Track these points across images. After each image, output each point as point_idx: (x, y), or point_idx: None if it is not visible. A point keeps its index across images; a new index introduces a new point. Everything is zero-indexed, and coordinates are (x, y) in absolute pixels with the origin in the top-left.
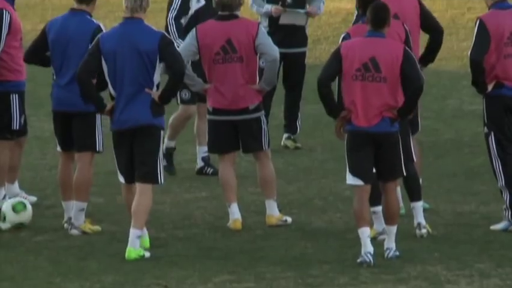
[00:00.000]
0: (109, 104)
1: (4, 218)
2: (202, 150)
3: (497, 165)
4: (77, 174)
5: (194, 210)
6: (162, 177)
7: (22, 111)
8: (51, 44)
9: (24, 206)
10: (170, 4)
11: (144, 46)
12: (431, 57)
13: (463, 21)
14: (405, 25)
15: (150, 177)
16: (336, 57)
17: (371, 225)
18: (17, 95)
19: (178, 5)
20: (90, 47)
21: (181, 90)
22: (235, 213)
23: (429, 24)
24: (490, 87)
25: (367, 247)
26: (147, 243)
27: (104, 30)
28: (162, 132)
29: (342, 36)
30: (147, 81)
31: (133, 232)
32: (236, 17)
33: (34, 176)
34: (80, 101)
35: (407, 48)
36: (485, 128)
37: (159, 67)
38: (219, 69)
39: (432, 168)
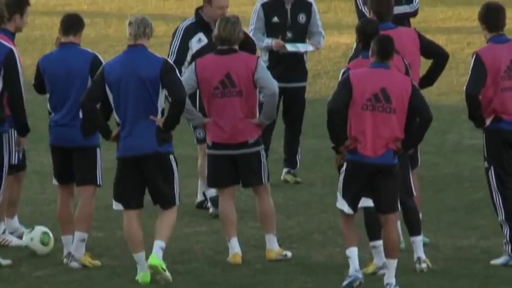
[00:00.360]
0: (115, 130)
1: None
2: (204, 186)
3: (498, 200)
4: (79, 208)
5: (194, 245)
6: (178, 198)
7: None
8: (48, 80)
9: (49, 235)
10: (170, 46)
11: (146, 73)
12: (431, 80)
13: (463, 56)
14: (405, 60)
15: (169, 203)
16: (347, 86)
17: (370, 260)
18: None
19: (176, 49)
20: (94, 76)
21: (195, 129)
22: (235, 247)
23: (432, 51)
24: (488, 121)
25: (356, 265)
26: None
27: (102, 60)
28: (172, 156)
29: (342, 71)
30: (151, 108)
31: (157, 243)
32: (235, 51)
33: (33, 211)
34: (79, 136)
35: (413, 81)
36: (485, 162)
37: (163, 93)
38: (218, 103)
39: (432, 202)
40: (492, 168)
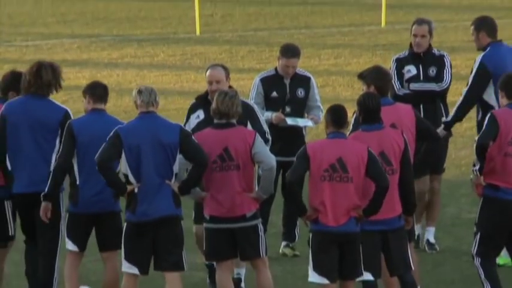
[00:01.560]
0: (130, 187)
1: None
2: None
3: (480, 270)
4: (108, 274)
5: None
6: (186, 264)
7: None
8: (82, 145)
9: None
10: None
11: (166, 139)
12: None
13: (461, 130)
14: (404, 135)
15: (179, 266)
16: (305, 158)
17: None
18: (10, 201)
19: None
20: (108, 139)
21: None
22: None
23: (425, 133)
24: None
25: None
26: None
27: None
28: (182, 222)
29: None
30: (169, 173)
31: None
32: (233, 125)
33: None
34: (111, 201)
35: (370, 149)
36: (475, 227)
37: (178, 158)
38: (216, 177)
39: (430, 276)
40: (479, 234)
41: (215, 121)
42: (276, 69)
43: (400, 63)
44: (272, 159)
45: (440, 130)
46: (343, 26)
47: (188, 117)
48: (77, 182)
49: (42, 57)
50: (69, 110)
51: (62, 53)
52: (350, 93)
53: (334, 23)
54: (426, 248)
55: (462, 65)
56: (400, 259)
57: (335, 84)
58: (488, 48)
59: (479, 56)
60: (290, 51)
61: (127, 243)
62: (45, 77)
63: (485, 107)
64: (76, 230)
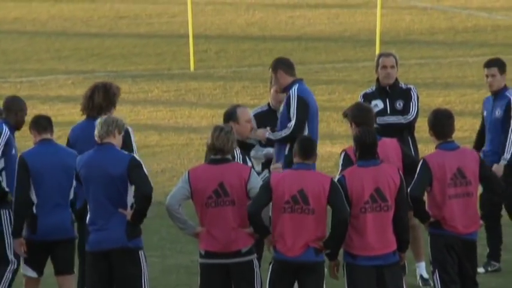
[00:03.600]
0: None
1: None
2: None
3: None
4: None
5: None
6: None
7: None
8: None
9: None
10: None
11: (114, 171)
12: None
13: None
14: (400, 172)
15: None
16: (266, 189)
17: None
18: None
19: None
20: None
21: None
22: None
23: (412, 166)
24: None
25: None
26: None
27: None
28: (141, 252)
29: (337, 178)
30: (121, 204)
31: None
32: (228, 160)
33: None
34: (69, 227)
35: (334, 180)
36: (431, 266)
37: (131, 189)
38: (211, 213)
39: None
40: (437, 272)
41: (210, 157)
42: (268, 104)
43: (367, 98)
44: None
45: (496, 167)
46: (337, 62)
47: None
48: (34, 211)
49: (37, 94)
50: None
51: (57, 89)
52: (344, 128)
53: (328, 59)
54: (420, 284)
55: (456, 101)
56: None
57: (329, 120)
58: None
59: None
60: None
61: (86, 273)
62: (97, 99)
63: None
64: (34, 256)
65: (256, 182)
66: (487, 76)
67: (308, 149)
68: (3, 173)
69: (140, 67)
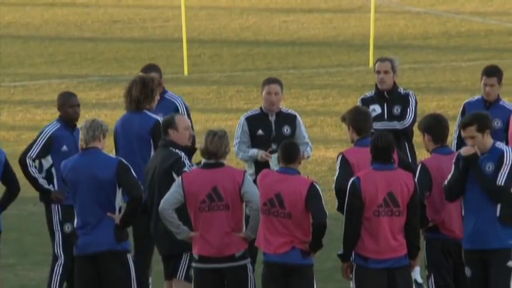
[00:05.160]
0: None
1: None
2: None
3: None
4: None
5: None
6: None
7: None
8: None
9: None
10: None
11: (102, 175)
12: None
13: None
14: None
15: None
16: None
17: None
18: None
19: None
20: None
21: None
22: None
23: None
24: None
25: None
26: None
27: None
28: (129, 255)
29: (352, 180)
30: (109, 207)
31: None
32: (222, 165)
33: None
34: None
35: (315, 184)
36: (426, 270)
37: (119, 193)
38: (205, 217)
39: None
40: (432, 276)
41: (204, 161)
42: (261, 108)
43: (366, 103)
44: None
45: None
46: (331, 66)
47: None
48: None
49: (30, 98)
50: (159, 119)
51: (50, 94)
52: (338, 133)
53: (322, 63)
54: None
55: (450, 106)
56: None
57: (323, 124)
58: None
59: None
60: (270, 79)
61: (75, 278)
62: (134, 93)
63: None
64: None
65: (250, 186)
66: (485, 85)
67: (291, 154)
68: (53, 170)
69: (134, 71)
